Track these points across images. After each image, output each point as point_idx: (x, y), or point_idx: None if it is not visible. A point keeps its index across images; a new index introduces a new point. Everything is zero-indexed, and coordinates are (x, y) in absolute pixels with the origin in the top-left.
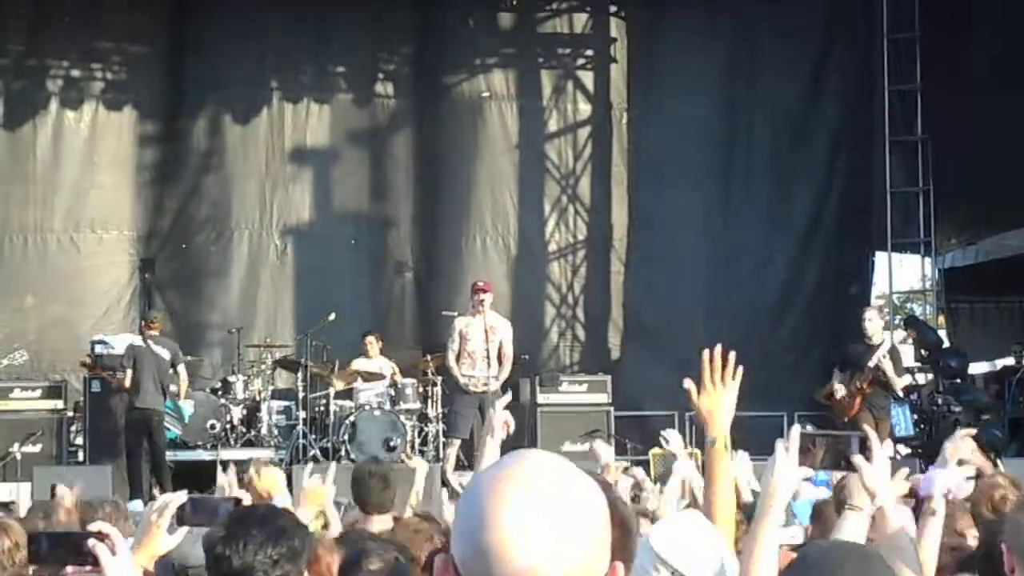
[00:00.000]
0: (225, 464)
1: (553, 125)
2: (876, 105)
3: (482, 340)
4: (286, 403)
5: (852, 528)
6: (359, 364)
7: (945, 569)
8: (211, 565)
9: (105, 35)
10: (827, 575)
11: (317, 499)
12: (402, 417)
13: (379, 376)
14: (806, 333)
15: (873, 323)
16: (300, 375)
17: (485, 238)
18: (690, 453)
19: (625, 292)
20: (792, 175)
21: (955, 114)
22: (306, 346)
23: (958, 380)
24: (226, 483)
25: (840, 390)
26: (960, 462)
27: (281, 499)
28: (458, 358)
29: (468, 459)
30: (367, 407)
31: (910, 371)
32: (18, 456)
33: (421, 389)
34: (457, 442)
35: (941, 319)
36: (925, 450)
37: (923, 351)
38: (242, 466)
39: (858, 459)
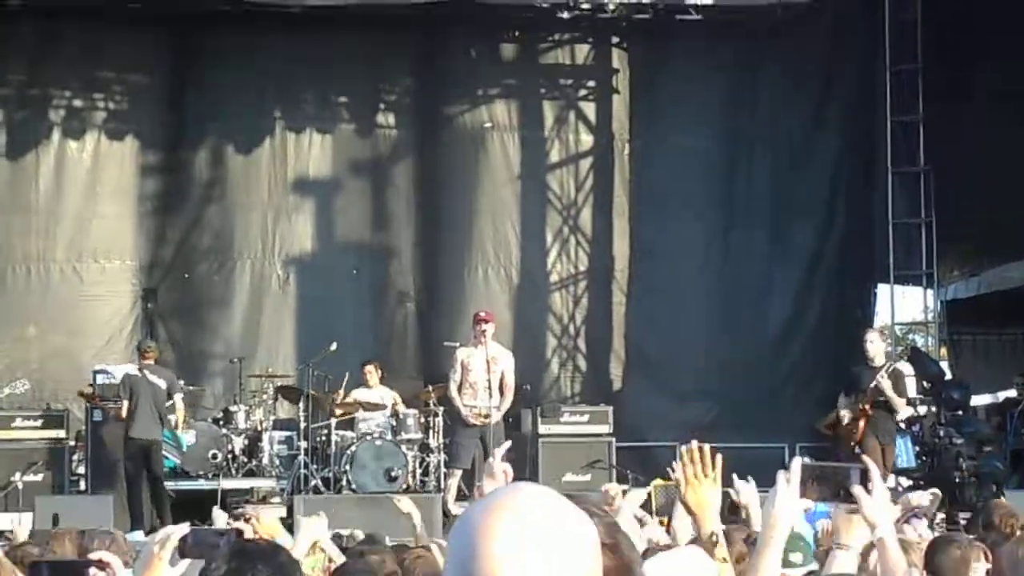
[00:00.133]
0: (223, 502)
1: (555, 156)
2: (878, 136)
3: (484, 370)
4: (287, 433)
5: (840, 567)
6: (359, 394)
7: None
8: None
9: (107, 65)
10: None
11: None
12: (403, 447)
13: (380, 406)
14: (808, 364)
15: (874, 345)
16: (301, 405)
17: (487, 268)
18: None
19: (627, 323)
20: (794, 207)
21: (957, 145)
22: (307, 376)
23: (960, 412)
24: (222, 521)
25: (846, 415)
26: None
27: (282, 541)
28: (460, 388)
29: (469, 489)
30: (368, 437)
31: (912, 402)
32: (20, 485)
33: (423, 419)
34: (459, 472)
35: (943, 351)
36: (927, 482)
37: (925, 383)
38: (242, 497)
39: (858, 490)
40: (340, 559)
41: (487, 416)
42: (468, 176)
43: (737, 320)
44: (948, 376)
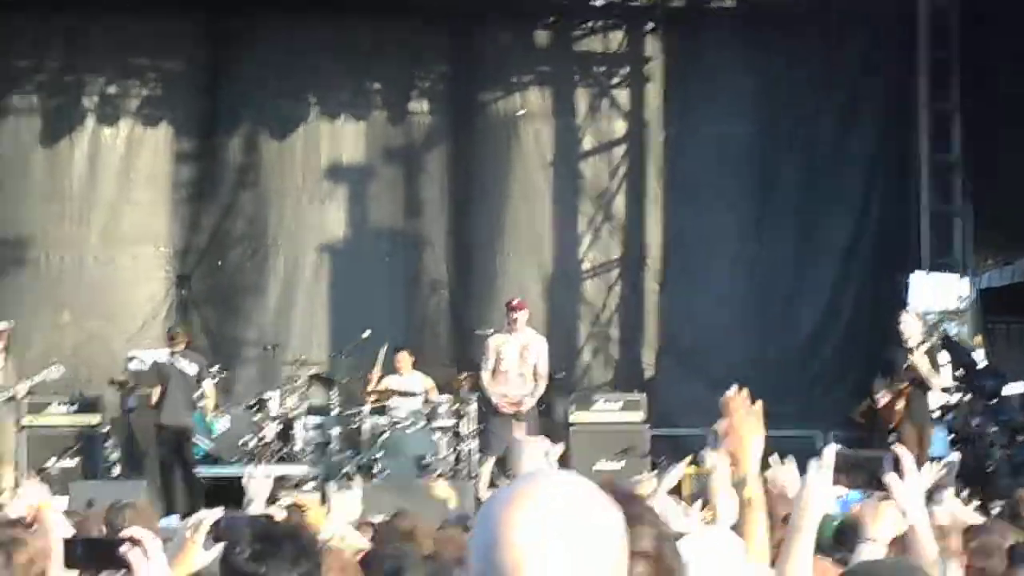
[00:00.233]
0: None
1: (588, 143)
2: (913, 126)
3: (516, 358)
4: (320, 419)
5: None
6: (391, 381)
7: None
8: None
9: (141, 51)
10: None
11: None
12: (436, 434)
13: (412, 394)
14: (842, 353)
15: (908, 325)
16: (334, 392)
17: (520, 256)
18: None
19: (660, 310)
20: (828, 196)
21: (992, 134)
22: (340, 363)
23: (994, 400)
24: (254, 490)
25: (883, 397)
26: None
27: (326, 533)
28: (492, 376)
29: (503, 477)
30: (401, 424)
31: (945, 390)
32: (54, 471)
33: (455, 407)
34: (491, 460)
35: (978, 339)
36: (960, 471)
37: (959, 371)
38: (275, 483)
39: (890, 478)
40: (364, 545)
41: (519, 404)
42: (501, 163)
43: (771, 308)
44: (983, 364)
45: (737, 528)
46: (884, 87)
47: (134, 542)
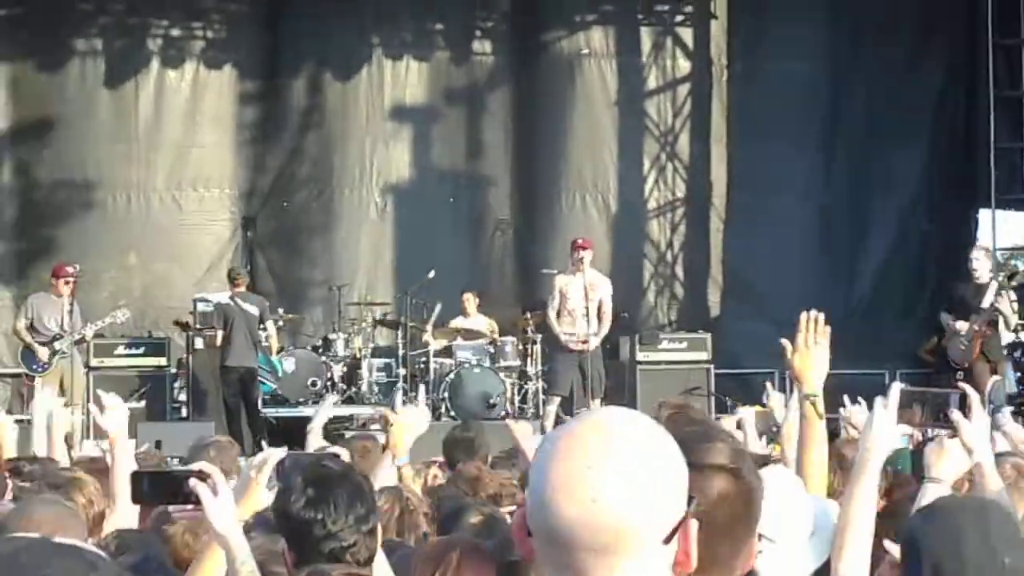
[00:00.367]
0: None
1: (652, 82)
2: (980, 61)
3: (581, 297)
4: (386, 360)
5: (931, 500)
6: (457, 322)
7: None
8: (297, 528)
9: None
10: (945, 521)
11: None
12: (502, 374)
13: (478, 334)
14: (910, 290)
15: (980, 262)
16: (400, 333)
17: (584, 196)
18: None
19: (725, 249)
20: (895, 132)
21: None
22: (406, 304)
23: None
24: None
25: (959, 332)
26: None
27: (404, 458)
28: (558, 316)
29: (568, 416)
30: (467, 364)
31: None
32: None
33: (521, 347)
34: (557, 399)
35: None
36: None
37: None
38: (342, 424)
39: (956, 415)
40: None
41: (585, 342)
42: (565, 103)
43: (837, 246)
44: None
45: (800, 452)
46: (950, 22)
47: (202, 476)
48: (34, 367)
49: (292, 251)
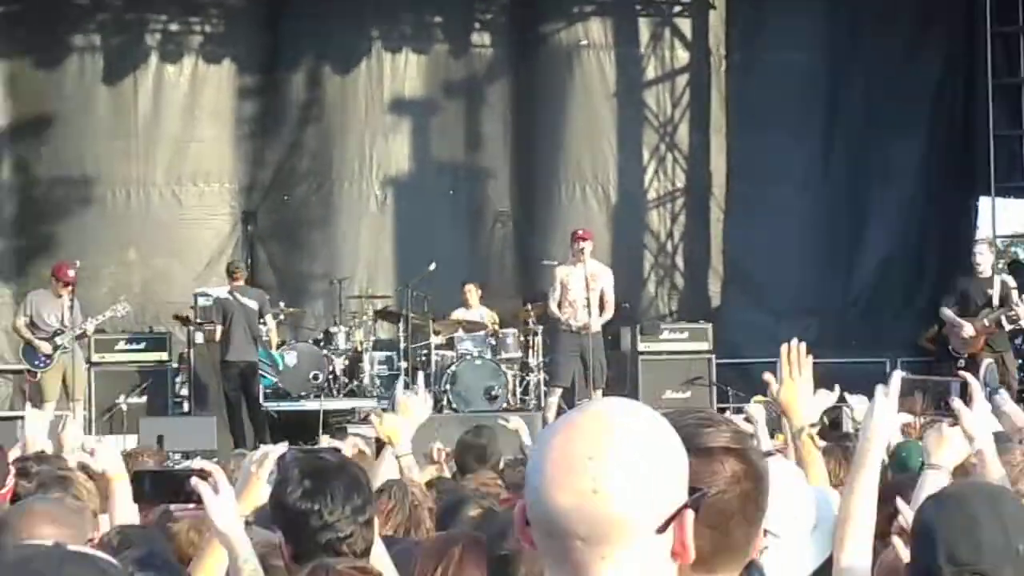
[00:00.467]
0: (325, 423)
1: (651, 73)
2: (978, 50)
3: (582, 288)
4: (388, 353)
5: (931, 488)
6: (459, 314)
7: None
8: (294, 519)
9: None
10: (959, 507)
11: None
12: (503, 366)
13: (480, 326)
14: (910, 279)
15: (984, 256)
16: (401, 325)
17: (584, 187)
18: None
19: (725, 239)
20: (894, 121)
21: None
22: (407, 297)
23: None
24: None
25: (962, 327)
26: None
27: (403, 447)
28: (559, 307)
29: (570, 407)
30: (468, 356)
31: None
32: (124, 408)
33: (522, 338)
34: (559, 391)
35: None
36: None
37: None
38: (343, 417)
39: (957, 403)
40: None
41: (587, 326)
42: (564, 95)
43: (836, 235)
44: None
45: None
46: (949, 11)
47: (203, 475)
48: (36, 363)
49: (292, 245)
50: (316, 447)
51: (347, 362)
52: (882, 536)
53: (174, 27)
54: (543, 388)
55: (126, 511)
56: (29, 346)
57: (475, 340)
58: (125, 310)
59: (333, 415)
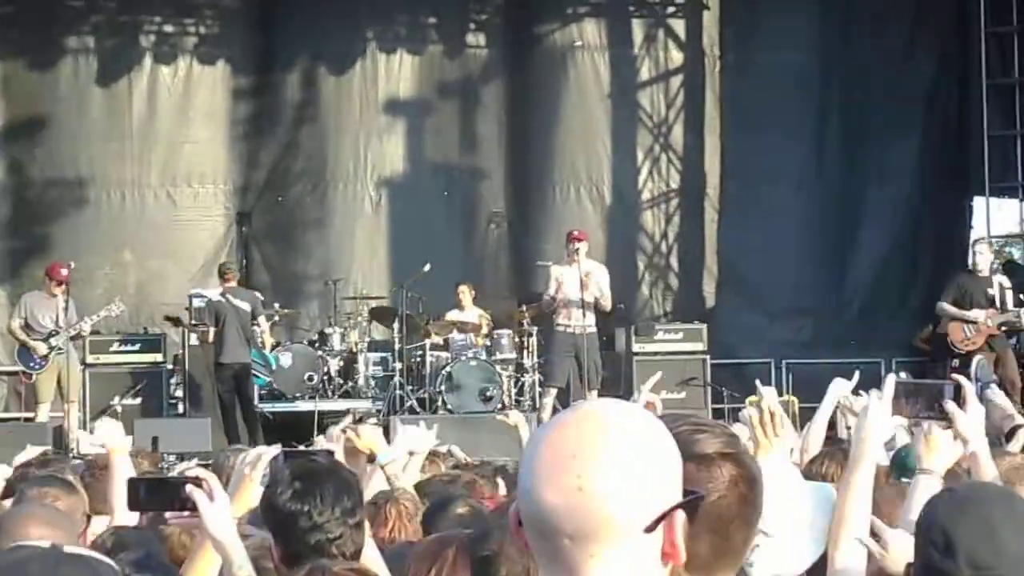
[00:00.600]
0: (320, 424)
1: (645, 74)
2: (972, 50)
3: (577, 288)
4: (383, 354)
5: (924, 492)
6: (453, 315)
7: None
8: (283, 520)
9: None
10: (976, 511)
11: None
12: (498, 367)
13: (474, 327)
14: (905, 279)
15: (983, 256)
16: (396, 327)
17: (578, 188)
18: (786, 401)
19: (719, 240)
20: (888, 122)
21: None
22: (402, 297)
23: None
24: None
25: (967, 327)
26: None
27: (384, 455)
28: (554, 311)
29: (565, 408)
30: (463, 357)
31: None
32: (119, 409)
33: (517, 339)
34: (554, 391)
35: None
36: None
37: (1022, 295)
38: (338, 418)
39: (951, 406)
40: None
41: (582, 328)
42: (558, 96)
43: (831, 236)
44: None
45: None
46: (943, 10)
47: (198, 482)
48: (31, 364)
49: (287, 246)
50: (310, 448)
51: (342, 363)
52: None
53: (168, 28)
54: (538, 389)
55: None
56: (24, 348)
57: (469, 341)
58: (120, 310)
59: (328, 416)
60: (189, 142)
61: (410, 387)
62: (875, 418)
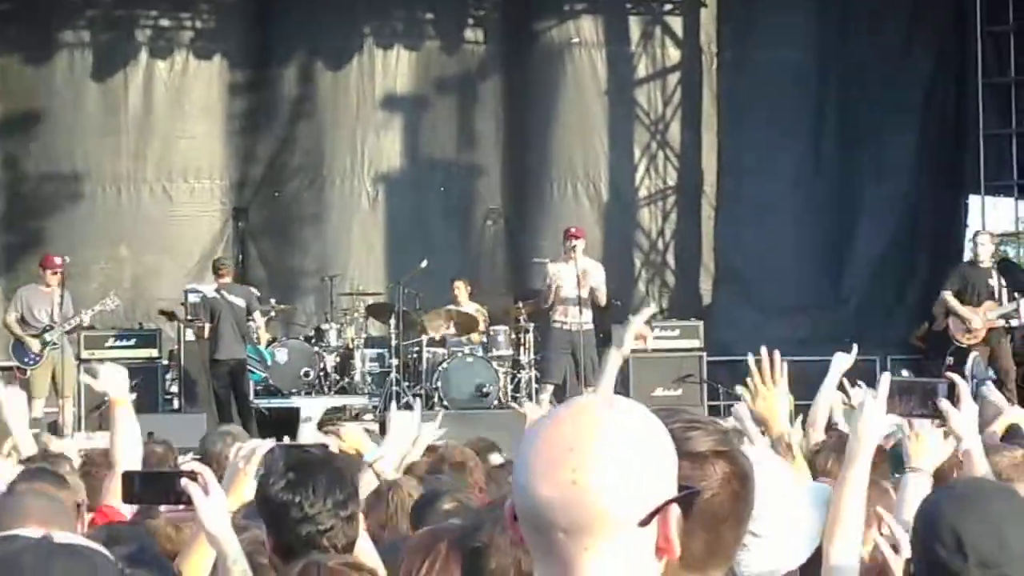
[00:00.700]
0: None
1: (642, 71)
2: (969, 49)
3: (574, 285)
4: (379, 351)
5: (914, 490)
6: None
7: None
8: (275, 511)
9: None
10: (980, 507)
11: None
12: (495, 363)
13: (471, 318)
14: (900, 278)
15: (985, 247)
16: (392, 323)
17: (575, 184)
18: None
19: (716, 237)
20: (884, 120)
21: None
22: (398, 293)
23: None
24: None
25: (972, 319)
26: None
27: (371, 454)
28: (551, 305)
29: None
30: (460, 354)
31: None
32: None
33: (513, 336)
34: (550, 388)
35: None
36: (1018, 390)
37: (1016, 293)
38: (335, 414)
39: (944, 404)
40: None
41: (579, 326)
42: (555, 92)
43: (827, 233)
44: None
45: None
46: (940, 8)
47: (193, 476)
48: (25, 360)
49: (284, 241)
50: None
51: (338, 359)
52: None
53: (164, 23)
54: (535, 385)
55: (127, 437)
56: (19, 343)
57: (464, 343)
58: (115, 304)
59: (325, 413)
60: (185, 137)
61: (406, 383)
62: (870, 416)
